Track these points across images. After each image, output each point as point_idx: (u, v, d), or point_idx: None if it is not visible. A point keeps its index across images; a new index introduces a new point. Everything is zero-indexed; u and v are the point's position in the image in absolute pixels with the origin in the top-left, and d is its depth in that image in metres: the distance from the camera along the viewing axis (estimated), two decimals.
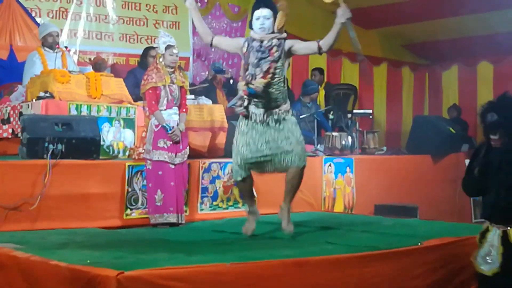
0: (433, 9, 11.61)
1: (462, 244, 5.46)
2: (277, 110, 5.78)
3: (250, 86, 5.67)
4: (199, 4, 6.02)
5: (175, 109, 6.87)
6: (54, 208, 6.28)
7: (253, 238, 5.84)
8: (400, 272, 5.01)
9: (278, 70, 5.72)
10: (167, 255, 4.83)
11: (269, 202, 7.02)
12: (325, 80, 11.94)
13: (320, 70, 11.53)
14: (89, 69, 8.59)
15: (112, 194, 6.71)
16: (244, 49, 5.79)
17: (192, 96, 7.94)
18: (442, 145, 10.08)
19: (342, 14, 5.73)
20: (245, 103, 5.75)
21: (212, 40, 5.94)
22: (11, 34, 8.83)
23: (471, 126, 12.99)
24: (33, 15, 9.16)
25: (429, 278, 5.11)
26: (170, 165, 6.74)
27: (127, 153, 7.27)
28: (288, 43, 5.81)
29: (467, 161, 10.34)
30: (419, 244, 5.31)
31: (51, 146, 6.42)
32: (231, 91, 9.91)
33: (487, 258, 4.60)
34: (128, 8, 10.25)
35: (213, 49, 11.19)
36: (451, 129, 10.47)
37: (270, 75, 5.68)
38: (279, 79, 5.75)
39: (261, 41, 5.74)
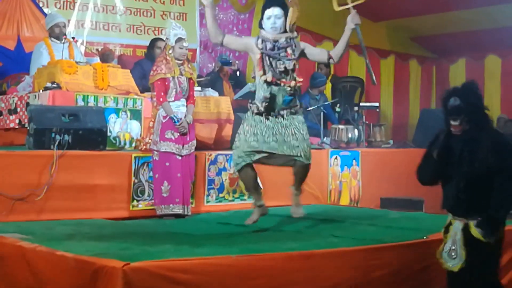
0: (441, 2, 11.58)
1: None
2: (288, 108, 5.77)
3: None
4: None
5: (183, 100, 6.87)
6: (60, 199, 6.29)
7: (259, 230, 5.84)
8: (406, 265, 5.01)
9: (293, 70, 5.72)
10: (173, 246, 4.84)
11: (274, 194, 7.03)
12: (332, 72, 11.92)
13: (326, 63, 11.50)
14: (96, 60, 8.58)
15: (118, 186, 6.72)
16: (257, 50, 5.70)
17: (199, 88, 7.94)
18: None
19: (351, 20, 5.83)
20: (264, 105, 5.70)
21: (222, 40, 5.82)
22: (19, 24, 8.84)
23: None
24: (41, 5, 9.16)
25: (434, 271, 5.10)
26: (177, 157, 6.75)
27: (133, 145, 7.27)
28: (301, 45, 5.81)
29: None
30: (425, 237, 5.31)
31: (58, 137, 6.43)
32: (237, 83, 9.91)
33: (452, 253, 4.41)
34: None
35: None
36: None
37: (289, 76, 5.68)
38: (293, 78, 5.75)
39: (275, 41, 5.71)
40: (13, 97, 7.43)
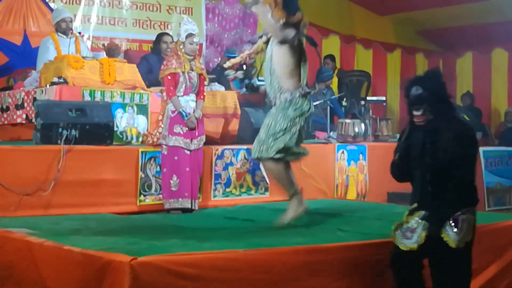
0: None
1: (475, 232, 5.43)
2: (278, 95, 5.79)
3: None
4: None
5: (192, 96, 6.87)
6: (67, 193, 6.30)
7: (266, 225, 5.84)
8: None
9: None
10: (180, 241, 4.85)
11: (281, 189, 7.02)
12: (338, 67, 11.91)
13: (332, 58, 11.51)
14: (103, 54, 8.58)
15: (125, 180, 6.73)
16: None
17: (206, 83, 7.94)
18: None
19: None
20: None
21: None
22: (25, 19, 8.86)
23: (484, 114, 12.94)
24: (47, 0, 9.17)
25: None
26: (186, 151, 6.75)
27: (140, 139, 7.28)
28: None
29: (481, 149, 10.40)
30: None
31: (65, 132, 6.44)
32: (244, 78, 9.88)
33: (408, 233, 4.24)
34: None
35: (226, 35, 11.18)
36: (465, 116, 10.41)
37: None
38: None
39: None
40: (20, 92, 7.44)
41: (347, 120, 9.28)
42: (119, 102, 7.23)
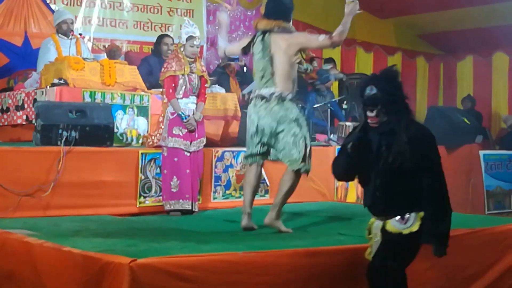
0: None
1: (474, 235, 5.44)
2: None
3: None
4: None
5: (192, 98, 6.87)
6: (67, 195, 6.30)
7: (265, 228, 5.83)
8: (413, 264, 4.98)
9: None
10: (179, 243, 4.85)
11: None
12: (339, 69, 11.90)
13: (330, 60, 11.51)
14: (103, 56, 8.61)
15: (125, 182, 6.73)
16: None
17: (206, 85, 7.94)
18: (456, 136, 10.03)
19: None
20: None
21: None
22: (26, 21, 8.87)
23: (485, 117, 12.93)
24: (48, 1, 9.18)
25: (441, 269, 5.09)
26: (185, 153, 6.75)
27: (140, 141, 7.28)
28: None
29: (481, 153, 10.40)
30: None
31: (65, 133, 6.44)
32: (244, 80, 9.90)
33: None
34: None
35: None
36: (465, 120, 10.42)
37: None
38: None
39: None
40: (20, 93, 7.44)
41: (348, 123, 9.28)
42: (120, 103, 7.23)
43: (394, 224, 4.01)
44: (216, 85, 8.39)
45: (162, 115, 6.92)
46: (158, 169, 6.87)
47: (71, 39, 7.91)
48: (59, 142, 6.39)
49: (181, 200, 6.72)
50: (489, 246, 5.50)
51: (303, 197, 7.15)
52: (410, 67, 13.87)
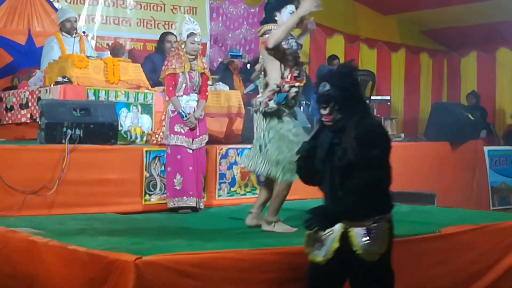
0: None
1: (479, 232, 5.43)
2: None
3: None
4: None
5: (193, 95, 6.87)
6: (72, 193, 6.30)
7: None
8: (418, 260, 4.99)
9: None
10: (185, 241, 4.85)
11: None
12: None
13: (334, 57, 11.49)
14: (107, 54, 8.60)
15: (130, 180, 6.73)
16: (287, 47, 5.50)
17: (209, 82, 7.94)
18: (460, 132, 10.02)
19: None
20: None
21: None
22: (29, 19, 8.87)
23: (490, 113, 12.91)
24: (51, 0, 9.17)
25: (448, 266, 5.09)
26: (188, 150, 6.75)
27: (144, 139, 7.29)
28: None
29: (485, 149, 10.39)
30: (437, 231, 5.28)
31: (69, 131, 6.45)
32: (248, 77, 9.89)
33: (317, 244, 3.76)
34: None
35: (230, 35, 11.19)
36: (469, 115, 10.40)
37: None
38: None
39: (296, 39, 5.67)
40: (24, 92, 7.45)
41: None
42: (124, 101, 7.23)
43: (362, 246, 3.62)
44: (220, 83, 8.38)
45: (164, 113, 6.93)
46: (163, 166, 6.87)
47: (74, 37, 7.90)
48: (63, 140, 6.39)
49: (184, 197, 6.72)
50: (494, 242, 5.49)
51: (307, 194, 7.14)
52: (413, 63, 13.86)
